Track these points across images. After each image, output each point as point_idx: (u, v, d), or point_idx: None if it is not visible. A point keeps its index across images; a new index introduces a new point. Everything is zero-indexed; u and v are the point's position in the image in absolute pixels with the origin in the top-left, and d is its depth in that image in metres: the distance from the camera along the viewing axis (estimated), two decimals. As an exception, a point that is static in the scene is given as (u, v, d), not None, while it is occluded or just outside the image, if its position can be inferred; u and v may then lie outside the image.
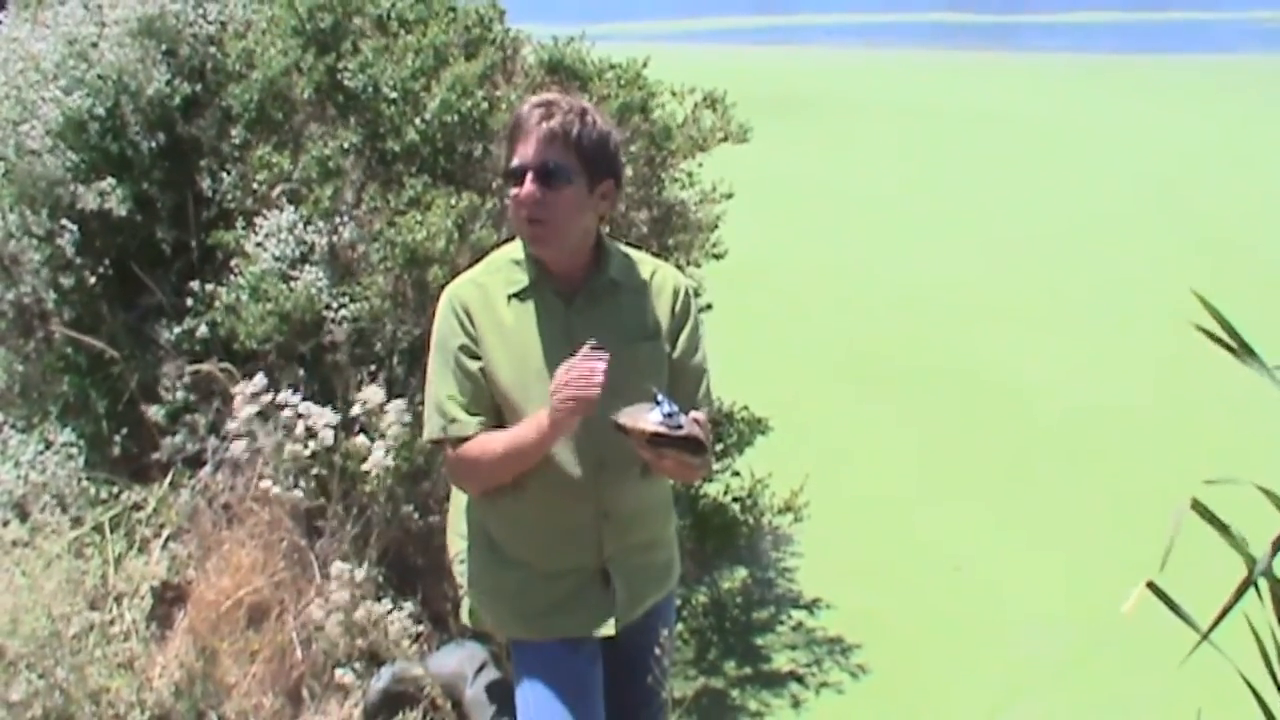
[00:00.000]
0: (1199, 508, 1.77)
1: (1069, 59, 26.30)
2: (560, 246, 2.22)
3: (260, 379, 3.22)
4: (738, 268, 4.59)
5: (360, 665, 3.21)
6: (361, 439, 3.23)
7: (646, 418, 2.03)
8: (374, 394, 3.20)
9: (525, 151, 2.16)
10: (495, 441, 2.21)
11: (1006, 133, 15.88)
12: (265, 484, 3.17)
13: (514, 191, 2.18)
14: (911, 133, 15.82)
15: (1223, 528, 1.76)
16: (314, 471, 3.21)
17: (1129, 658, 3.93)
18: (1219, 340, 1.77)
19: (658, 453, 2.06)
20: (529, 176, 2.15)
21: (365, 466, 3.17)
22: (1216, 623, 1.68)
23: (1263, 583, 1.79)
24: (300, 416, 3.15)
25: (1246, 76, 22.44)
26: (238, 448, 3.17)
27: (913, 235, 10.40)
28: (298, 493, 3.21)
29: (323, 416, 3.17)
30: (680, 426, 2.02)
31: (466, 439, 2.23)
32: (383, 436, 3.19)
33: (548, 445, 2.17)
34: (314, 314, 3.46)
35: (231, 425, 3.19)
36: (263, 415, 3.18)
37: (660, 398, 2.06)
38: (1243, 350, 1.78)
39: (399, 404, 3.22)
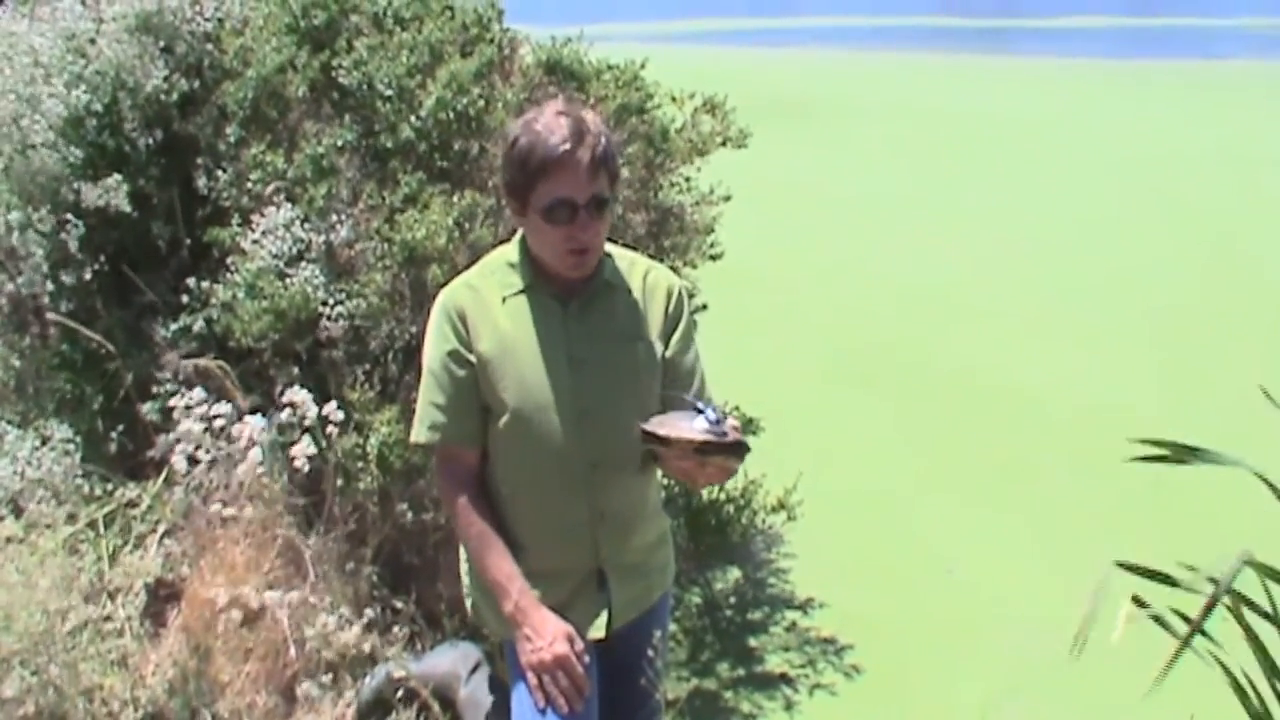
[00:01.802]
0: (1126, 565, 1.80)
1: (1062, 64, 26.37)
2: (595, 266, 2.25)
3: (198, 393, 3.25)
4: (733, 269, 4.59)
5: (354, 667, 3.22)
6: (353, 437, 3.24)
7: (690, 426, 2.04)
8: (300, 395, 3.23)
9: (570, 183, 2.12)
10: (478, 530, 2.26)
11: (1001, 136, 15.92)
12: (263, 481, 3.17)
13: (558, 226, 2.15)
14: (906, 135, 15.85)
15: (1157, 576, 1.78)
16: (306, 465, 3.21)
17: (1121, 659, 3.93)
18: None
19: (702, 460, 2.06)
20: (583, 212, 2.14)
21: (293, 452, 3.19)
22: (1192, 633, 1.69)
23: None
24: (299, 415, 3.16)
25: (1238, 82, 22.50)
26: (181, 466, 3.19)
27: (907, 237, 10.42)
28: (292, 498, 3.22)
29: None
30: (726, 434, 2.03)
31: (452, 447, 2.28)
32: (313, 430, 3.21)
33: (500, 606, 2.25)
34: (310, 312, 3.46)
35: (173, 436, 3.21)
36: (261, 411, 3.18)
37: (701, 405, 2.06)
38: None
39: (331, 405, 3.25)
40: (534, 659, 2.19)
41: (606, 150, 2.15)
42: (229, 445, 3.22)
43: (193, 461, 3.22)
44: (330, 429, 3.23)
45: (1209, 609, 1.66)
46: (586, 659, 2.23)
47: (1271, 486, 1.81)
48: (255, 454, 3.16)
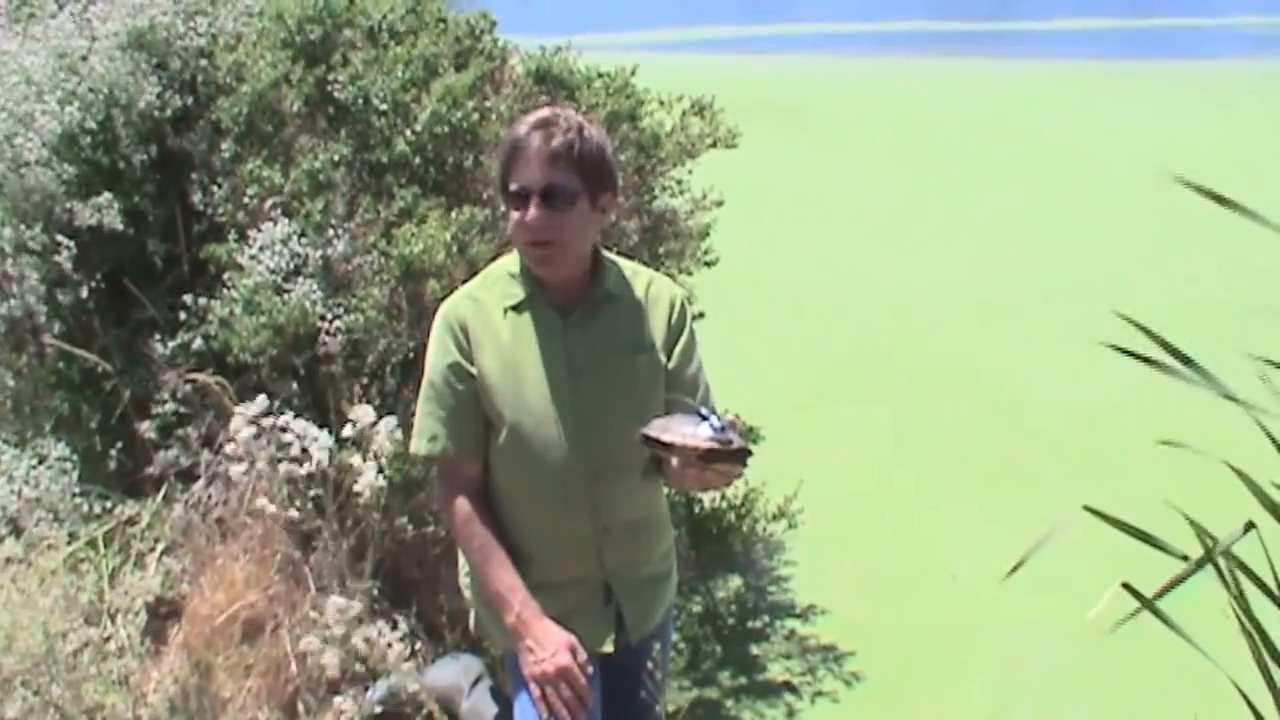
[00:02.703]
0: (1093, 510, 1.80)
1: (1056, 65, 26.41)
2: (566, 266, 2.22)
3: (262, 400, 3.22)
4: (729, 275, 4.60)
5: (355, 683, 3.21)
6: (355, 457, 3.23)
7: (694, 433, 2.03)
8: (365, 413, 3.20)
9: (528, 174, 2.14)
10: (480, 541, 2.25)
11: (996, 139, 15.94)
12: (261, 501, 3.16)
13: (516, 215, 2.17)
14: (901, 140, 15.87)
15: (1124, 527, 1.78)
16: (311, 493, 3.20)
17: (1124, 663, 3.94)
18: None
19: (704, 467, 2.06)
20: (534, 200, 2.14)
21: (357, 488, 3.16)
22: (1162, 593, 1.70)
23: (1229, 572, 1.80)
24: (298, 438, 3.14)
25: (1233, 82, 22.55)
26: (237, 470, 3.17)
27: (903, 241, 10.43)
28: (293, 512, 3.21)
29: (317, 438, 3.16)
30: (731, 440, 2.03)
31: (452, 458, 2.27)
32: (375, 457, 3.18)
33: (502, 617, 2.24)
34: (308, 326, 3.46)
35: (229, 448, 3.19)
36: (257, 435, 3.17)
37: (705, 412, 2.06)
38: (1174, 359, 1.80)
39: (390, 421, 3.21)
40: (536, 670, 2.18)
41: (577, 145, 2.14)
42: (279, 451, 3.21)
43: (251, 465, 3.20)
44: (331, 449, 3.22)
45: (1182, 578, 1.67)
46: (590, 670, 2.22)
47: (1250, 484, 1.81)
48: (320, 455, 3.15)
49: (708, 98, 4.29)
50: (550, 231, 2.15)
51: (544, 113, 2.21)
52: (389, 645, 3.12)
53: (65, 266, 3.73)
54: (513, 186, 2.16)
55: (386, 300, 3.48)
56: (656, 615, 2.41)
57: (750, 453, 2.08)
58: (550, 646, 2.18)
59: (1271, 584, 1.80)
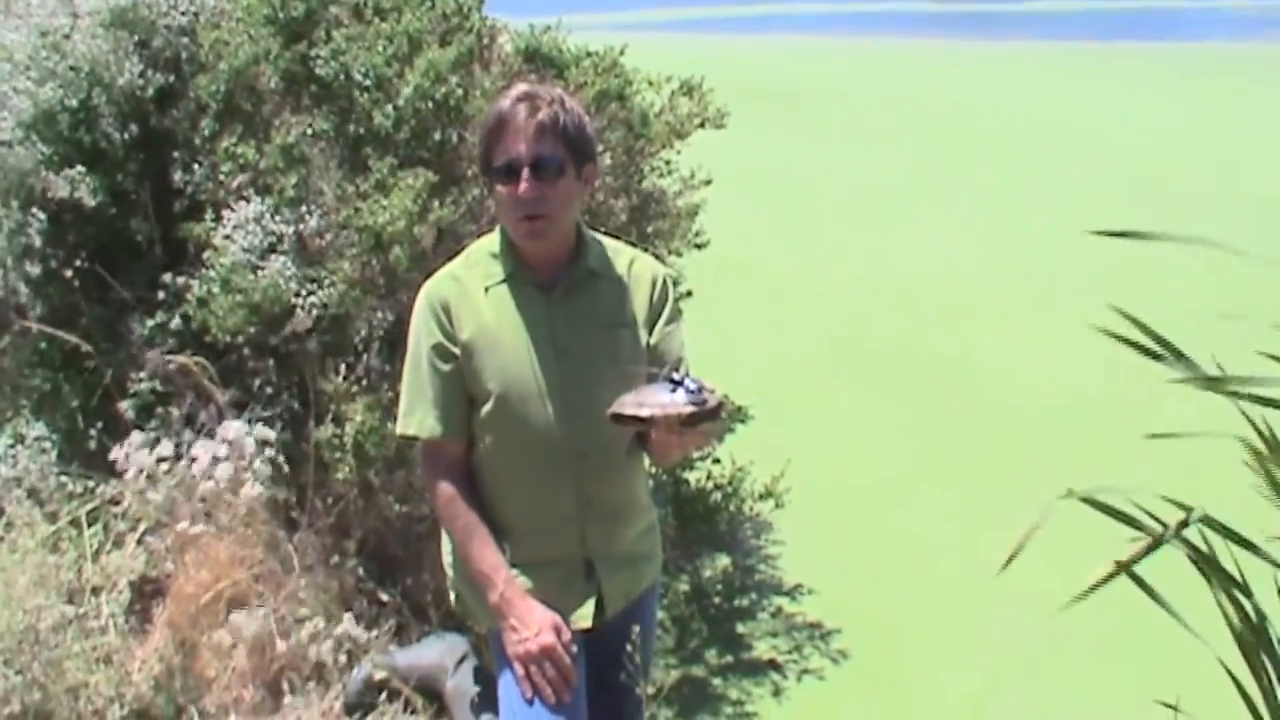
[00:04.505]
0: (1077, 495, 1.80)
1: (1045, 47, 26.40)
2: (555, 239, 2.22)
3: (138, 436, 3.27)
4: (719, 256, 4.58)
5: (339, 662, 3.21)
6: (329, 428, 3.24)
7: (672, 400, 2.02)
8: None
9: (515, 148, 2.14)
10: (464, 521, 2.24)
11: (986, 122, 15.94)
12: (244, 489, 3.17)
13: (505, 190, 2.16)
14: (891, 122, 15.87)
15: (1109, 510, 1.78)
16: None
17: (1109, 644, 3.95)
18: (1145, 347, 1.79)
19: (683, 432, 2.05)
20: (524, 173, 2.13)
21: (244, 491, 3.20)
22: (1120, 570, 1.70)
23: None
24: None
25: (1217, 64, 22.56)
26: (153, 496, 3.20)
27: (894, 224, 10.43)
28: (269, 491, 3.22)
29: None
30: (706, 400, 2.02)
31: (437, 438, 2.26)
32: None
33: (485, 596, 2.23)
34: (282, 304, 3.44)
35: (128, 477, 3.23)
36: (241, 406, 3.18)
37: (675, 376, 2.05)
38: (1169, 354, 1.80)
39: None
40: (520, 649, 2.18)
41: (561, 119, 2.15)
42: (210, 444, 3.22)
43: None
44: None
45: (1147, 550, 1.67)
46: (574, 649, 2.22)
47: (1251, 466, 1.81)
48: (225, 469, 3.17)
49: (697, 78, 4.27)
50: (541, 204, 2.15)
51: (524, 87, 2.22)
52: (373, 624, 3.12)
53: (37, 242, 3.69)
54: (499, 161, 2.16)
55: (357, 273, 3.45)
56: (636, 593, 2.41)
57: (724, 406, 2.07)
58: (534, 625, 2.18)
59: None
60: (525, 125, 2.13)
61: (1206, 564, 1.72)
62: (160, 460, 3.20)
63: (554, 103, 2.16)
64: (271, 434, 3.28)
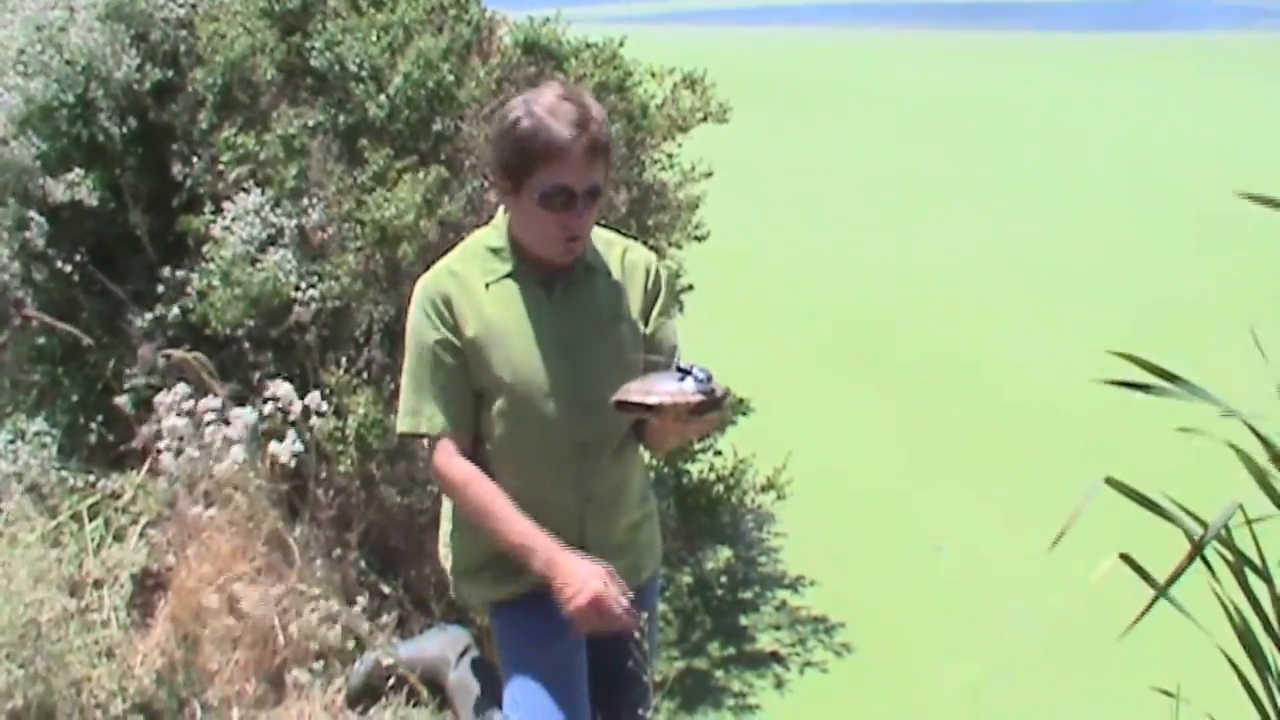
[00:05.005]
0: (1115, 484, 1.80)
1: (1044, 38, 26.36)
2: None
3: (181, 388, 3.22)
4: (720, 249, 4.57)
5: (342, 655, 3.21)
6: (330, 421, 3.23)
7: (681, 389, 2.02)
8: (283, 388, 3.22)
9: (570, 175, 2.10)
10: (490, 498, 2.21)
11: (986, 114, 15.92)
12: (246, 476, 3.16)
13: (549, 213, 2.13)
14: (892, 114, 15.85)
15: (1145, 502, 1.78)
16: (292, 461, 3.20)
17: (1110, 634, 3.94)
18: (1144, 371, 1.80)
19: (689, 421, 2.05)
20: (581, 201, 2.13)
21: (276, 450, 3.18)
22: (1171, 580, 1.70)
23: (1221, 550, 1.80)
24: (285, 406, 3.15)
25: (1219, 55, 22.53)
26: (169, 460, 3.17)
27: (895, 217, 10.41)
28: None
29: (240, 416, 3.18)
30: (714, 389, 2.02)
31: (445, 434, 2.24)
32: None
33: (528, 567, 2.18)
34: (282, 297, 3.43)
35: (163, 441, 3.20)
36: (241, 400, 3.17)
37: (684, 366, 2.05)
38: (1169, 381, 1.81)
39: (314, 396, 3.24)
40: (572, 607, 2.12)
41: (606, 140, 2.14)
42: (213, 435, 3.21)
43: (179, 454, 3.20)
44: (314, 420, 3.21)
45: (1193, 555, 1.67)
46: (629, 594, 2.17)
47: (1243, 457, 1.81)
48: (236, 451, 3.15)
49: (699, 71, 4.25)
50: (585, 227, 2.18)
51: (572, 108, 2.12)
52: (374, 617, 3.12)
53: (39, 244, 3.69)
54: (548, 185, 2.11)
55: (361, 267, 3.44)
56: (636, 584, 2.40)
57: (729, 394, 2.08)
58: (582, 576, 2.13)
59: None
60: (583, 154, 2.10)
61: (1234, 554, 1.71)
62: (190, 415, 3.17)
63: (597, 122, 2.13)
64: (321, 401, 3.24)
